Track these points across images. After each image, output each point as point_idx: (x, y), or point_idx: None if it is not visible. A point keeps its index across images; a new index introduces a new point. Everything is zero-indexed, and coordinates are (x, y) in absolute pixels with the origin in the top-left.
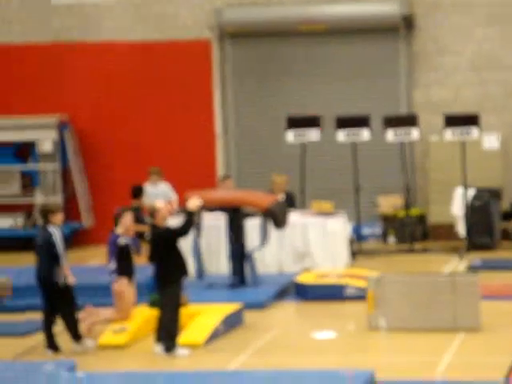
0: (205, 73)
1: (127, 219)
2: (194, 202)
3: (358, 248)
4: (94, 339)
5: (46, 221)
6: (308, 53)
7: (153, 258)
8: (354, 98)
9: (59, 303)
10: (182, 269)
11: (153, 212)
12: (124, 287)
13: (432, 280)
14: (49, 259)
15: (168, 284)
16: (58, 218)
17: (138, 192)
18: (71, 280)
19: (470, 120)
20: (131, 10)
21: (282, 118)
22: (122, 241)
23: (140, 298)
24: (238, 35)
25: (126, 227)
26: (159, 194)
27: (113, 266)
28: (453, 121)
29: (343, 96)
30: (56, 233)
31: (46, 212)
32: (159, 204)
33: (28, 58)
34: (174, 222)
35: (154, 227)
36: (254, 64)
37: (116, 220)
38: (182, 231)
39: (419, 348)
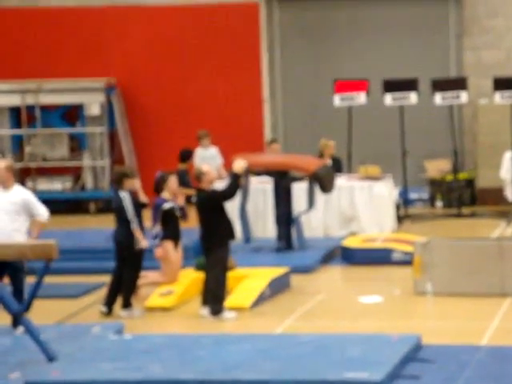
0: (252, 36)
1: (172, 183)
2: (239, 164)
3: (405, 212)
4: (142, 308)
5: (120, 185)
6: (356, 16)
7: (200, 221)
8: (402, 62)
9: (127, 266)
10: (228, 232)
11: (199, 175)
12: (169, 251)
13: (479, 245)
14: (122, 223)
15: (215, 247)
16: (132, 183)
17: (186, 156)
18: (144, 244)
19: None
20: None
21: (329, 81)
22: (166, 206)
23: (186, 262)
24: None
25: (171, 191)
26: (208, 158)
27: (156, 229)
28: (502, 84)
29: (391, 59)
30: (126, 197)
31: (122, 176)
32: (205, 167)
33: (77, 22)
34: (221, 185)
35: (200, 190)
36: (301, 27)
37: (157, 184)
38: (228, 194)
39: (466, 313)
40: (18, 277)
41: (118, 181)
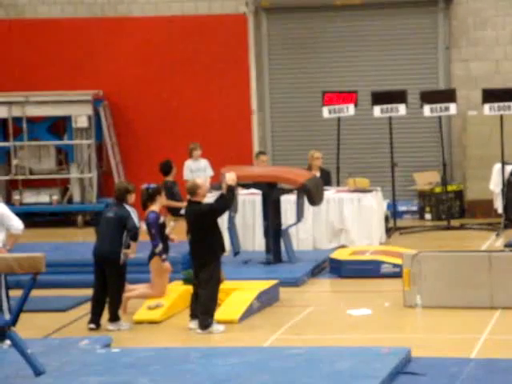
0: (240, 48)
1: (164, 198)
2: (230, 176)
3: (394, 225)
4: (129, 321)
5: (123, 199)
6: (344, 27)
7: (192, 234)
8: (391, 74)
9: (112, 280)
10: (221, 245)
11: (194, 189)
12: (165, 264)
13: (469, 257)
14: (118, 236)
15: (210, 261)
16: (132, 198)
17: (169, 168)
18: (132, 256)
19: (510, 94)
20: None
21: (317, 93)
22: (162, 219)
23: (174, 275)
24: (273, 10)
25: (162, 205)
26: (198, 170)
27: (159, 245)
28: (491, 95)
29: (380, 71)
30: (133, 211)
31: (126, 190)
32: (199, 181)
33: (64, 34)
34: (209, 199)
35: (195, 204)
36: (289, 39)
37: (149, 197)
38: (225, 207)
39: (455, 326)
40: None
41: (121, 195)
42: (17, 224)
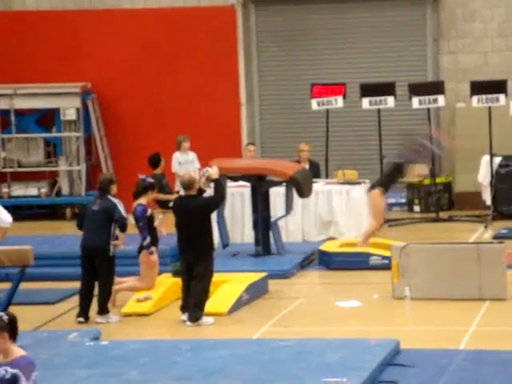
0: (229, 40)
1: (155, 193)
2: (214, 170)
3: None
4: (118, 314)
5: (107, 191)
6: (332, 20)
7: (187, 228)
8: (379, 65)
9: (102, 272)
10: (213, 240)
11: (192, 183)
12: (152, 257)
13: (457, 249)
14: (106, 228)
15: (206, 254)
16: (115, 188)
17: (157, 160)
18: (122, 247)
19: (497, 87)
20: None
21: (306, 85)
22: (149, 212)
23: (163, 267)
24: (262, 2)
25: (151, 198)
26: (186, 163)
27: (147, 238)
28: (479, 87)
29: (368, 63)
30: (119, 202)
31: (109, 182)
32: (195, 174)
33: (52, 26)
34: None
35: (189, 198)
36: (278, 31)
37: (144, 188)
38: (220, 200)
39: (444, 318)
40: None
41: (105, 187)
42: (5, 217)
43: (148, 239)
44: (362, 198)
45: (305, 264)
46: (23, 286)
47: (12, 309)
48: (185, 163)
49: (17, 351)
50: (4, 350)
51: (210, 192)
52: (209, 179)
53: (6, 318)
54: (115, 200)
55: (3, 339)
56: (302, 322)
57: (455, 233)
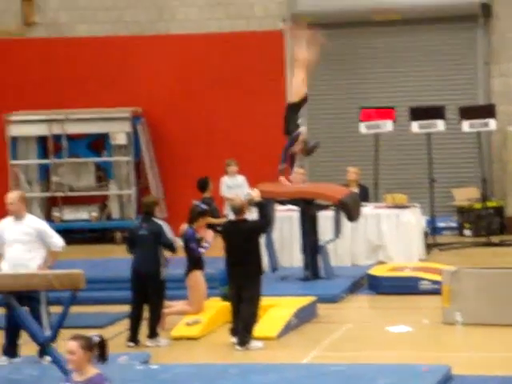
0: (278, 64)
1: (206, 219)
2: (255, 193)
3: (433, 241)
4: (168, 337)
5: (151, 213)
6: (382, 43)
7: (238, 253)
8: (429, 89)
9: (152, 296)
10: (262, 262)
11: (240, 207)
12: (199, 280)
13: (509, 274)
14: (156, 251)
15: (255, 278)
16: (158, 210)
17: (205, 184)
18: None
19: None
20: (203, 2)
21: (355, 109)
22: (198, 236)
23: (211, 291)
24: (311, 26)
25: (202, 224)
26: (234, 186)
27: (203, 250)
28: None
29: (418, 86)
30: (163, 224)
31: (153, 204)
32: (244, 199)
33: (103, 52)
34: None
35: (240, 222)
36: (327, 55)
37: (196, 214)
38: (268, 223)
39: (496, 344)
40: (33, 307)
41: (150, 209)
42: (57, 241)
43: (203, 250)
44: (412, 222)
45: (354, 288)
46: (73, 309)
47: (63, 332)
48: (234, 187)
49: (92, 370)
50: (80, 367)
51: (252, 215)
52: (251, 202)
53: (96, 339)
54: (160, 222)
55: (83, 357)
56: (351, 347)
57: (507, 257)
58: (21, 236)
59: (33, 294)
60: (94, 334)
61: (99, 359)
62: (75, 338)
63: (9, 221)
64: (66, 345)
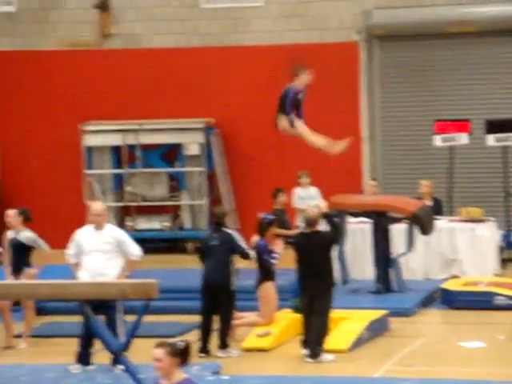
0: (352, 76)
1: (275, 228)
2: (323, 204)
3: (508, 256)
4: (239, 349)
5: (222, 223)
6: (457, 55)
7: (311, 265)
8: (505, 101)
9: (223, 306)
10: (333, 274)
11: (313, 219)
12: (270, 292)
13: None
14: (227, 261)
15: (327, 290)
16: (230, 221)
17: (273, 195)
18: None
19: None
20: (278, 13)
21: (429, 121)
22: (269, 247)
23: (282, 303)
24: (386, 38)
25: (271, 234)
26: (307, 198)
27: (275, 261)
28: None
29: (494, 99)
30: (234, 232)
31: (224, 215)
32: (317, 210)
33: (177, 63)
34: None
35: (313, 234)
36: (401, 67)
37: (265, 226)
38: (339, 235)
39: None
40: (111, 315)
41: (221, 219)
42: (135, 250)
43: (274, 261)
44: (487, 237)
45: (427, 302)
46: (146, 318)
47: (135, 341)
48: (306, 198)
49: (180, 375)
50: (168, 373)
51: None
52: (319, 214)
53: (181, 344)
54: (230, 231)
55: (171, 363)
56: (424, 362)
57: None
58: (101, 245)
59: (110, 303)
60: (178, 339)
61: (181, 364)
62: (161, 345)
63: (88, 230)
64: (153, 353)
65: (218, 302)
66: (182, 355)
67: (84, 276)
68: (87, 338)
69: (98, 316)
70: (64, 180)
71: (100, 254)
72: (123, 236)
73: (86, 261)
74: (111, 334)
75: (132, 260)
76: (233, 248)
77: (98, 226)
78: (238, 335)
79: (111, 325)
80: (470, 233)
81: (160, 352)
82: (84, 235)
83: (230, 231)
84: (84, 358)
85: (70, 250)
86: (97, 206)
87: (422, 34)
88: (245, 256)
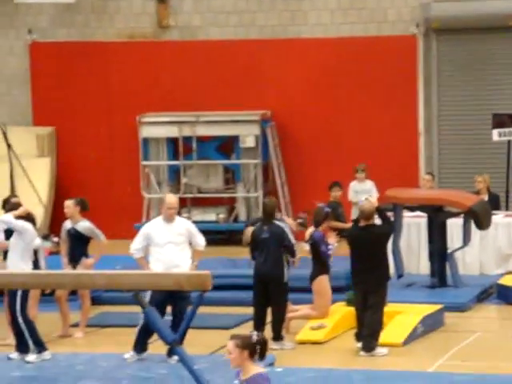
0: (409, 69)
1: (330, 221)
2: (374, 198)
3: None
4: (293, 341)
5: (272, 216)
6: None
7: (367, 259)
8: None
9: (275, 299)
10: (388, 268)
11: (369, 212)
12: (325, 285)
13: None
14: (279, 254)
15: (382, 284)
16: (282, 213)
17: (330, 187)
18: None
19: None
20: (336, 6)
21: (487, 115)
22: (325, 238)
23: (336, 296)
24: (444, 31)
25: (326, 226)
26: (362, 192)
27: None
28: None
29: None
30: (286, 226)
31: (274, 207)
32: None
33: (235, 55)
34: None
35: (367, 227)
36: (459, 60)
37: (320, 219)
38: (392, 228)
39: None
40: (180, 305)
41: (272, 212)
42: (200, 240)
43: (330, 253)
44: None
45: (482, 297)
46: (201, 309)
47: (190, 332)
48: (361, 192)
49: (255, 368)
50: (239, 366)
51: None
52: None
53: (255, 337)
54: (282, 224)
55: (240, 355)
56: (479, 357)
57: None
58: (174, 237)
59: (182, 294)
60: (253, 332)
61: (258, 357)
62: (233, 337)
63: (158, 223)
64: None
65: (270, 295)
66: (251, 348)
67: (158, 268)
68: (147, 328)
69: (167, 306)
70: (121, 171)
71: (173, 245)
72: (193, 227)
73: (159, 253)
74: (177, 323)
75: (199, 250)
76: (282, 241)
77: (170, 219)
78: (292, 328)
79: (177, 314)
80: None
81: (230, 344)
82: (155, 228)
83: (281, 224)
84: (140, 346)
85: (138, 245)
86: (172, 199)
87: (480, 27)
88: (291, 252)
